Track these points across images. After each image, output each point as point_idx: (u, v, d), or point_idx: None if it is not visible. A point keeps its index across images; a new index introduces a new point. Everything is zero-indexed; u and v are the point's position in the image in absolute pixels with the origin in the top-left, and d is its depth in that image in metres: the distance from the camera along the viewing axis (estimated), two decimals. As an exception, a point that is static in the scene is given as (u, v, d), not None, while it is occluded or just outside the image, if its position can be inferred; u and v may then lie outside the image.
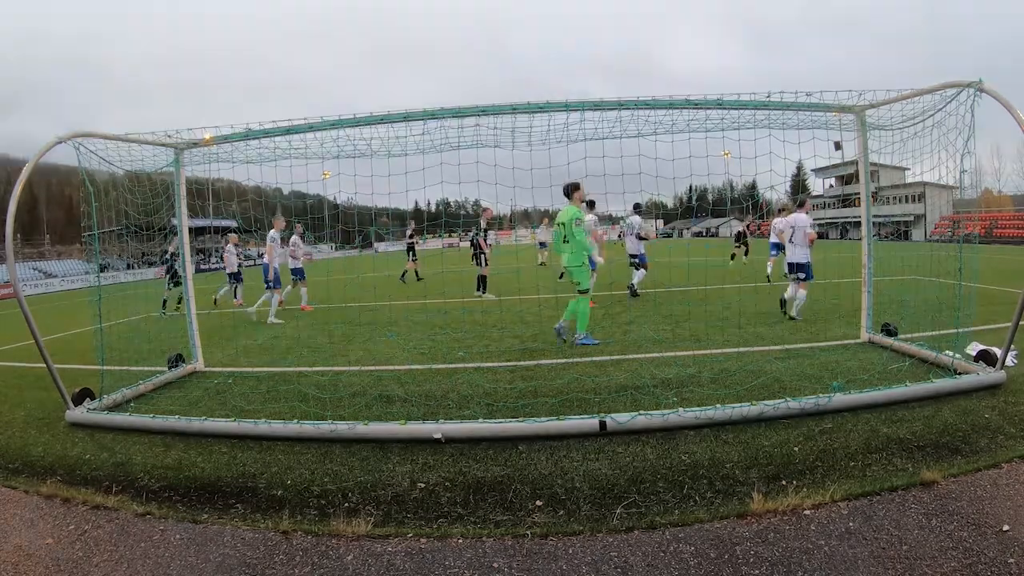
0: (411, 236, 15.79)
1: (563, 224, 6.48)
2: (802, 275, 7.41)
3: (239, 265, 12.49)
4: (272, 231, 9.62)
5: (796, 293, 7.42)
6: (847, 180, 48.47)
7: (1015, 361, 4.71)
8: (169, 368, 6.15)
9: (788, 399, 3.92)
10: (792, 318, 7.28)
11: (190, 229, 6.33)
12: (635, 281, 10.28)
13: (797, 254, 7.51)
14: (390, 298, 11.96)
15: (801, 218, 7.60)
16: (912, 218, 43.47)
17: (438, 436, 3.77)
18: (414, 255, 15.75)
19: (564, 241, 6.51)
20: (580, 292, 6.48)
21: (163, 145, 5.61)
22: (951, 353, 4.60)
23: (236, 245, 12.61)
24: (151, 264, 37.88)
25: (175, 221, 6.24)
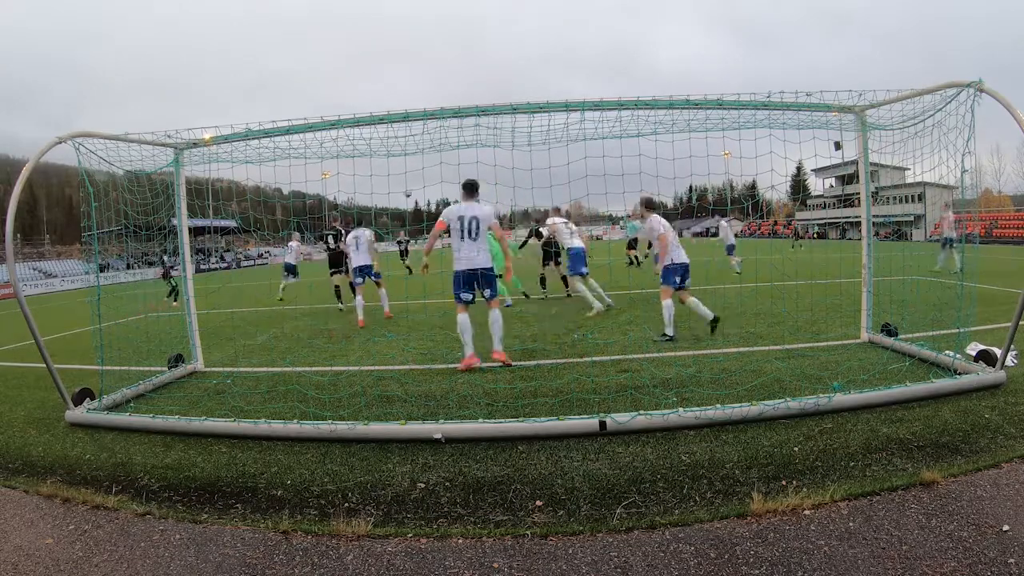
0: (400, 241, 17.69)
1: None
2: None
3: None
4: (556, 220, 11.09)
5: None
6: (847, 180, 48.42)
7: (1015, 361, 4.70)
8: (169, 368, 6.15)
9: (788, 399, 3.91)
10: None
11: (190, 229, 6.33)
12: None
13: None
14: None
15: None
16: (912, 218, 43.44)
17: (438, 436, 3.77)
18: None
19: None
20: None
21: (163, 145, 5.61)
22: (951, 353, 4.60)
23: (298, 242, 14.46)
24: (151, 264, 37.93)
25: (175, 221, 6.23)
